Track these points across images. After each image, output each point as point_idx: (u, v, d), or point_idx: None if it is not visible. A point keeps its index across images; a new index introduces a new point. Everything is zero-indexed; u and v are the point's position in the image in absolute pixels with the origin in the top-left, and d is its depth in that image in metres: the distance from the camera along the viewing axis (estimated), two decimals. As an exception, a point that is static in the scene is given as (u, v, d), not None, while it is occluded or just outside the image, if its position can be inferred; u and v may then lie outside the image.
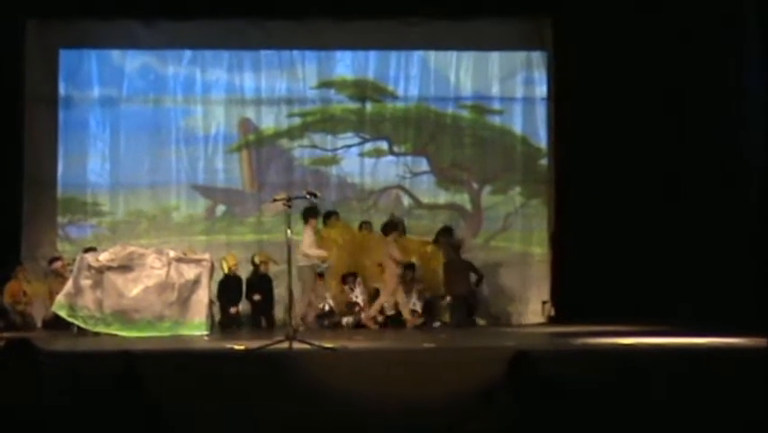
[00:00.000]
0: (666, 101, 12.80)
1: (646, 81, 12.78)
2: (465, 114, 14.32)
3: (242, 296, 12.70)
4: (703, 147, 12.74)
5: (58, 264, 12.56)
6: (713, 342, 9.32)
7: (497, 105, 14.29)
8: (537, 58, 14.11)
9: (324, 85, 14.23)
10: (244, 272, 12.92)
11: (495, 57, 14.23)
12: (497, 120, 14.32)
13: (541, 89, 14.07)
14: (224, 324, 12.40)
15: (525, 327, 12.30)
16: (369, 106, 14.31)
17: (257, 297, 12.66)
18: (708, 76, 12.75)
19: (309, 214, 12.15)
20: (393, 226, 12.76)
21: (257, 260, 12.85)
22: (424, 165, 14.32)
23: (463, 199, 14.33)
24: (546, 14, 13.71)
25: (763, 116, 12.32)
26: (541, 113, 14.07)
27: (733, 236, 12.29)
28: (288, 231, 9.44)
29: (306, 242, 12.08)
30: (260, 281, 12.76)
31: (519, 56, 14.21)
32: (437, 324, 12.70)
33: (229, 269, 12.64)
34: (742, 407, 7.43)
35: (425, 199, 14.30)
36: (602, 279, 12.45)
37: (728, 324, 10.56)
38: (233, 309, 12.54)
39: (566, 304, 12.51)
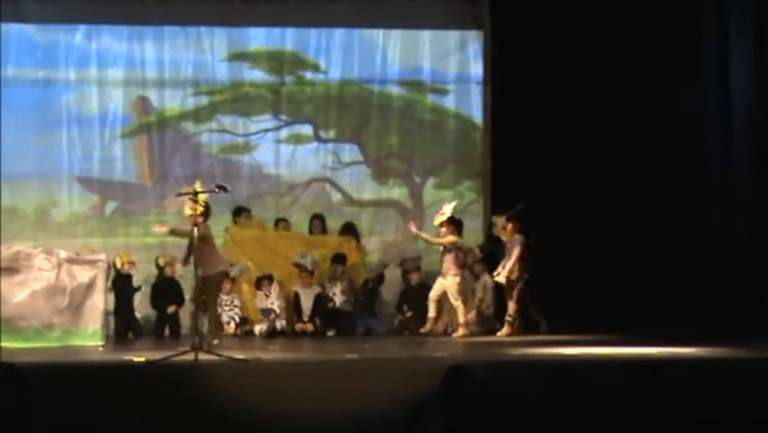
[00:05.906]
0: (604, 85, 13.02)
1: (587, 65, 13.00)
2: (403, 94, 14.12)
3: (134, 293, 12.62)
4: (642, 135, 12.97)
5: None
6: (654, 352, 9.57)
7: (435, 86, 14.16)
8: (473, 37, 14.08)
9: (236, 57, 14.01)
10: (146, 276, 12.87)
11: (426, 36, 14.12)
12: (437, 102, 14.19)
13: (477, 71, 14.06)
14: (119, 331, 12.30)
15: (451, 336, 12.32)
16: (288, 82, 14.08)
17: (168, 306, 12.56)
18: (647, 58, 13.00)
19: None
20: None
21: (161, 261, 12.79)
22: (355, 154, 14.15)
23: (403, 194, 14.18)
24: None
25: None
26: (477, 96, 14.05)
27: (673, 237, 12.61)
28: (195, 230, 9.44)
29: None
30: (168, 286, 12.71)
31: (454, 35, 14.16)
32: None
33: (122, 265, 12.53)
34: (682, 417, 7.65)
35: (357, 194, 14.13)
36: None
37: (670, 334, 10.86)
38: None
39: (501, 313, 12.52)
